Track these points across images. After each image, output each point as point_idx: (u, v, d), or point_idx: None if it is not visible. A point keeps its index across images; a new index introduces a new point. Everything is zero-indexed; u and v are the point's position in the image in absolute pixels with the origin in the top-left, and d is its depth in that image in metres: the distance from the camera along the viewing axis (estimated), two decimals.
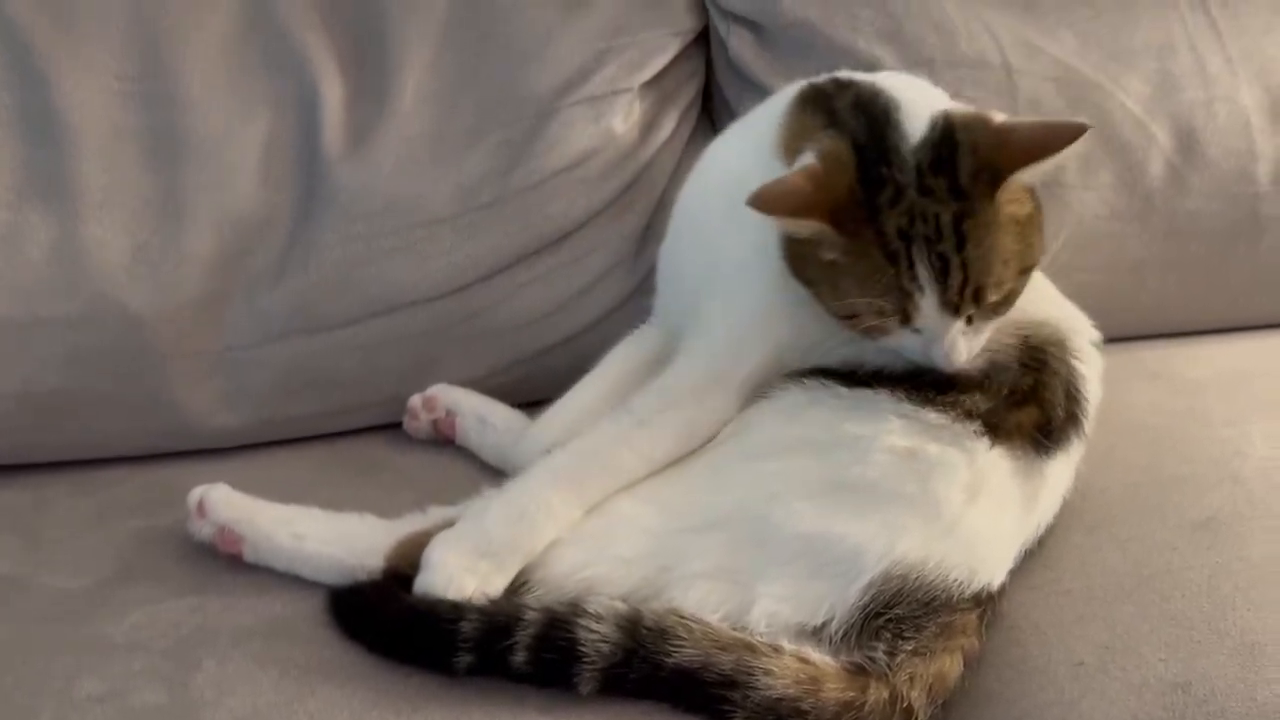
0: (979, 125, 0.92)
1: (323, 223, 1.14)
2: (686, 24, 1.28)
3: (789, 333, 0.99)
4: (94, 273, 1.09)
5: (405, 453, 1.16)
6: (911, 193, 0.90)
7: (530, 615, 0.87)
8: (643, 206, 1.24)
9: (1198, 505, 1.04)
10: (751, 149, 1.02)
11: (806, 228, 0.90)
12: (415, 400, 1.16)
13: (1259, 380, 1.23)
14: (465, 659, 0.87)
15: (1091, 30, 1.28)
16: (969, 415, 0.95)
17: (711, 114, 1.35)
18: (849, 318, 0.93)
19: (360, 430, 1.20)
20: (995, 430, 0.96)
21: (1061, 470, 1.00)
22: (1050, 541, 1.02)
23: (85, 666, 0.88)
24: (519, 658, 0.86)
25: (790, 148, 0.96)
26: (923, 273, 0.89)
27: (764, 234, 0.95)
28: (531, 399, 1.14)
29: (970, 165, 0.90)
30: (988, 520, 0.94)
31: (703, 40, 1.31)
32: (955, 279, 0.90)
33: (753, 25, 1.27)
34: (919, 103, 0.95)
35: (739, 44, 1.27)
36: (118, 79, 1.14)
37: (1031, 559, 1.01)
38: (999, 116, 0.94)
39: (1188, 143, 1.28)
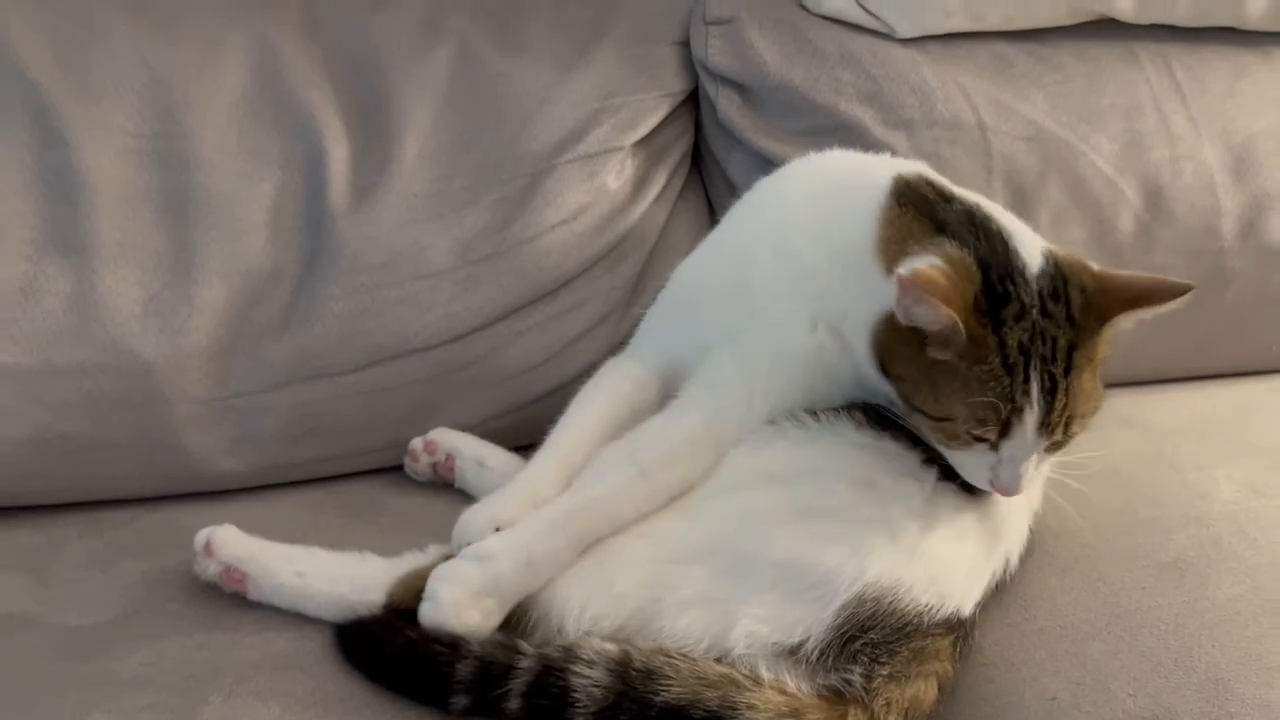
0: (1083, 268, 0.97)
1: (327, 276, 1.17)
2: (677, 86, 1.33)
3: (800, 397, 1.02)
4: (107, 322, 1.12)
5: (405, 494, 1.19)
6: (1035, 312, 0.92)
7: (524, 663, 0.89)
8: (634, 259, 1.28)
9: (1166, 547, 1.08)
10: (837, 234, 1.01)
11: (943, 319, 0.89)
12: (416, 444, 1.19)
13: (1226, 426, 1.28)
14: (461, 700, 0.89)
15: (1062, 92, 1.34)
16: (916, 443, 1.00)
17: (701, 171, 1.39)
18: (941, 420, 0.95)
19: (363, 473, 1.23)
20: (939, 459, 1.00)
21: (1017, 502, 1.02)
22: (1025, 581, 1.05)
23: (94, 702, 0.90)
24: (513, 704, 0.88)
25: (893, 246, 0.97)
26: (1034, 389, 0.92)
27: (811, 305, 1.00)
28: (527, 442, 1.16)
29: (1080, 301, 0.94)
30: (948, 546, 0.97)
31: (692, 101, 1.36)
32: (1060, 402, 0.93)
33: (740, 87, 1.32)
34: (1026, 234, 0.98)
35: (727, 105, 1.32)
36: (133, 138, 1.18)
37: (1007, 597, 1.05)
38: (1095, 264, 0.98)
39: (1155, 199, 1.33)
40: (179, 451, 1.15)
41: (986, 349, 0.92)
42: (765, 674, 0.91)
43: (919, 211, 0.99)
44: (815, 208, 1.05)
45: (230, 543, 0.99)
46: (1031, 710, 0.96)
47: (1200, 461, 1.19)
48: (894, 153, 1.26)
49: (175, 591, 1.02)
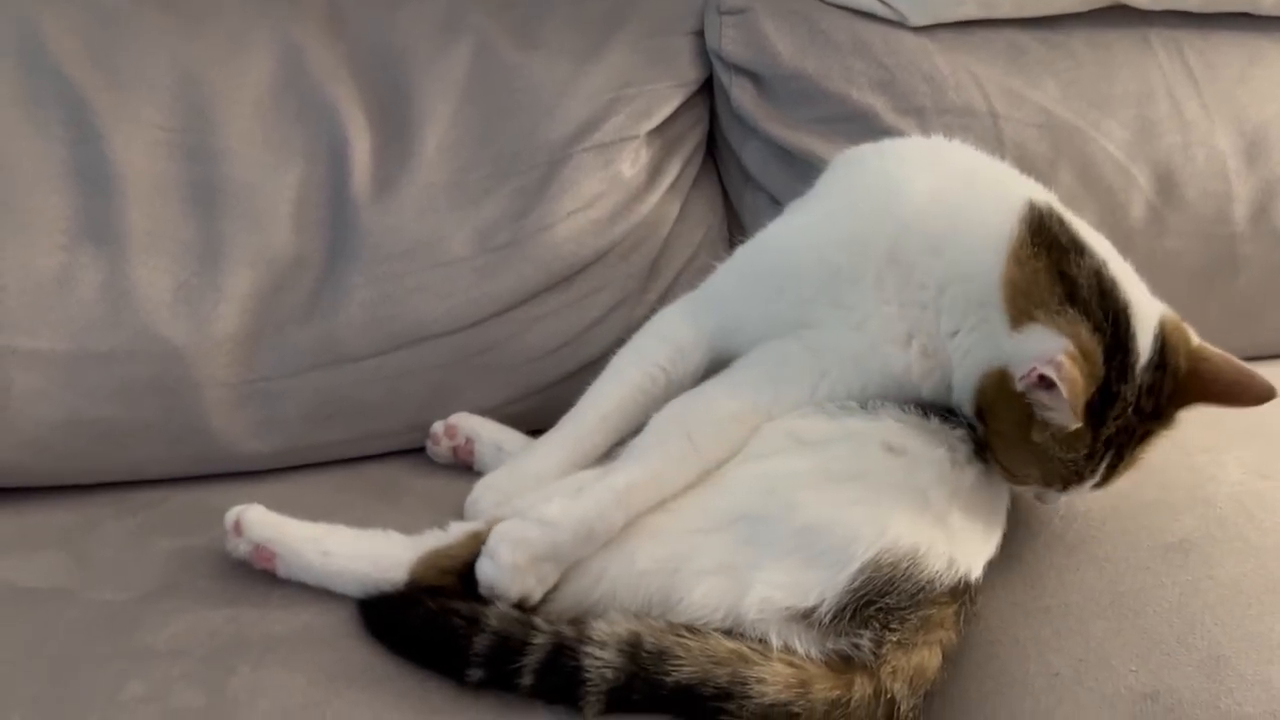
0: (1184, 347, 0.97)
1: (350, 264, 1.20)
2: (691, 75, 1.35)
3: (863, 396, 1.03)
4: (139, 310, 1.15)
5: (426, 476, 1.21)
6: (1131, 413, 0.95)
7: (539, 639, 0.91)
8: (649, 246, 1.30)
9: (1172, 528, 1.10)
10: (959, 254, 0.99)
11: (1066, 420, 0.91)
12: (437, 427, 1.22)
13: (1236, 411, 1.28)
14: (476, 673, 0.92)
15: (1073, 79, 1.35)
16: (956, 421, 1.02)
17: (716, 160, 1.42)
18: (1014, 475, 0.99)
19: (384, 455, 1.25)
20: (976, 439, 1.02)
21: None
22: (1032, 560, 1.07)
23: (130, 672, 0.93)
24: (526, 679, 0.91)
25: (1020, 295, 0.95)
26: (1102, 467, 0.97)
27: (911, 317, 1.00)
28: (545, 426, 1.17)
29: (1171, 388, 0.96)
30: (967, 514, 0.99)
31: (707, 90, 1.38)
32: (1118, 473, 0.99)
33: (753, 76, 1.34)
34: (1144, 303, 0.97)
35: (741, 94, 1.34)
36: (163, 131, 1.21)
37: (1014, 576, 1.06)
38: (1194, 336, 0.99)
39: (1167, 185, 1.34)
40: (208, 434, 1.18)
41: (1081, 442, 0.94)
42: (775, 641, 0.92)
43: (1050, 259, 0.96)
44: (938, 216, 1.01)
45: (259, 522, 1.02)
46: (1034, 685, 0.98)
47: (1209, 445, 1.20)
48: None
49: (206, 568, 1.04)
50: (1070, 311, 0.94)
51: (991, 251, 0.98)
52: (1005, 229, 0.98)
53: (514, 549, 0.93)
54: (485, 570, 0.94)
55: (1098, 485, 1.00)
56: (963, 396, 1.01)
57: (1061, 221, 1.00)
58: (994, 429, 0.99)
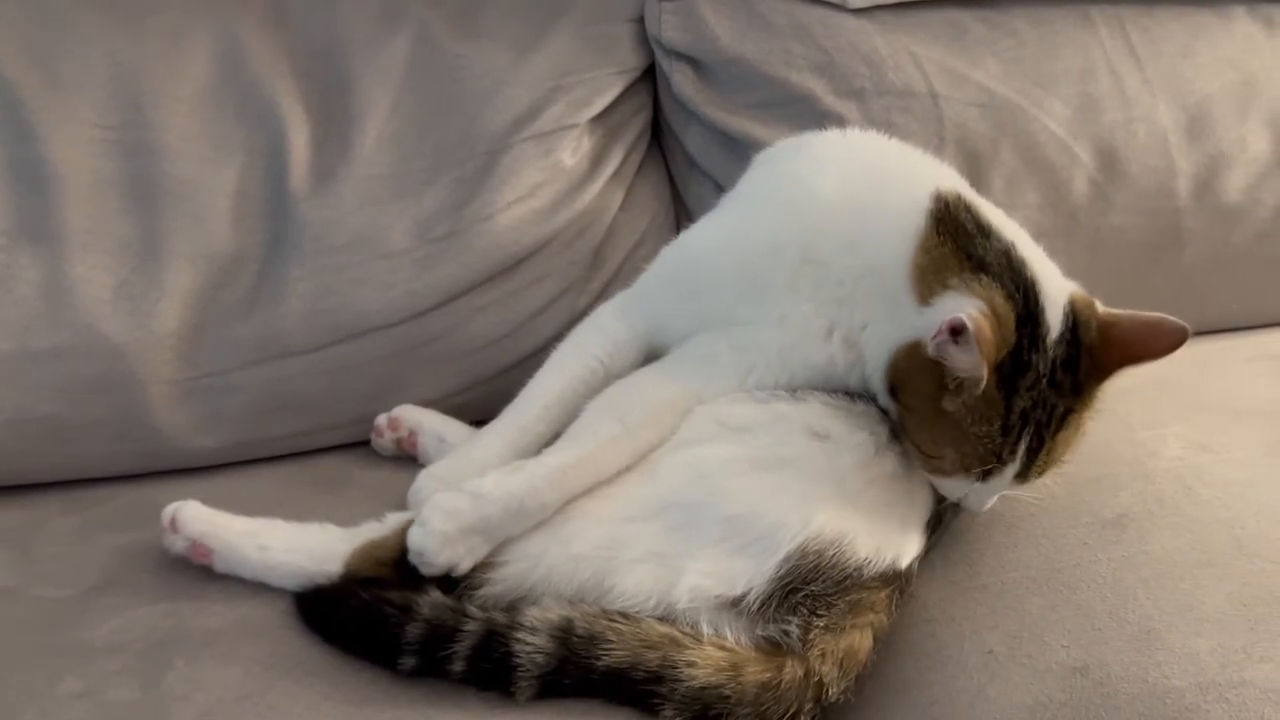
0: (1092, 319, 0.97)
1: (290, 257, 1.20)
2: (632, 62, 1.35)
3: (789, 386, 1.04)
4: (79, 308, 1.15)
5: (372, 468, 1.22)
6: (1044, 384, 0.95)
7: (470, 626, 0.92)
8: (592, 235, 1.30)
9: (1110, 504, 1.10)
10: (869, 248, 1.00)
11: (975, 371, 0.90)
12: (380, 420, 1.22)
13: (1179, 385, 1.28)
14: (409, 661, 0.93)
15: (1015, 57, 1.35)
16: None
17: (661, 146, 1.41)
18: (930, 457, 0.98)
19: (331, 448, 1.26)
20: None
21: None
22: (970, 539, 1.08)
23: (67, 668, 0.94)
24: (457, 666, 0.92)
25: (927, 276, 0.96)
26: (1021, 448, 0.96)
27: (830, 312, 1.01)
28: (489, 416, 1.17)
29: (1087, 365, 0.96)
30: (891, 499, 1.00)
31: (649, 77, 1.38)
32: (1041, 461, 0.97)
33: (693, 62, 1.34)
34: (1053, 281, 0.98)
35: (681, 80, 1.34)
36: (100, 129, 1.21)
37: (953, 554, 1.07)
38: (1099, 306, 0.99)
39: (1109, 161, 1.34)
40: (153, 430, 1.18)
41: (994, 411, 0.94)
42: (706, 629, 0.94)
43: (957, 245, 0.98)
44: (847, 215, 1.02)
45: (194, 518, 1.02)
46: (969, 663, 0.98)
47: (1151, 420, 1.21)
48: (847, 123, 1.28)
49: (147, 564, 1.05)
50: (982, 278, 0.95)
51: (900, 245, 0.99)
52: (912, 223, 0.99)
53: (445, 519, 0.95)
54: (415, 538, 0.95)
55: (1021, 477, 0.98)
56: (876, 381, 1.02)
57: (968, 208, 1.01)
58: (906, 404, 0.99)
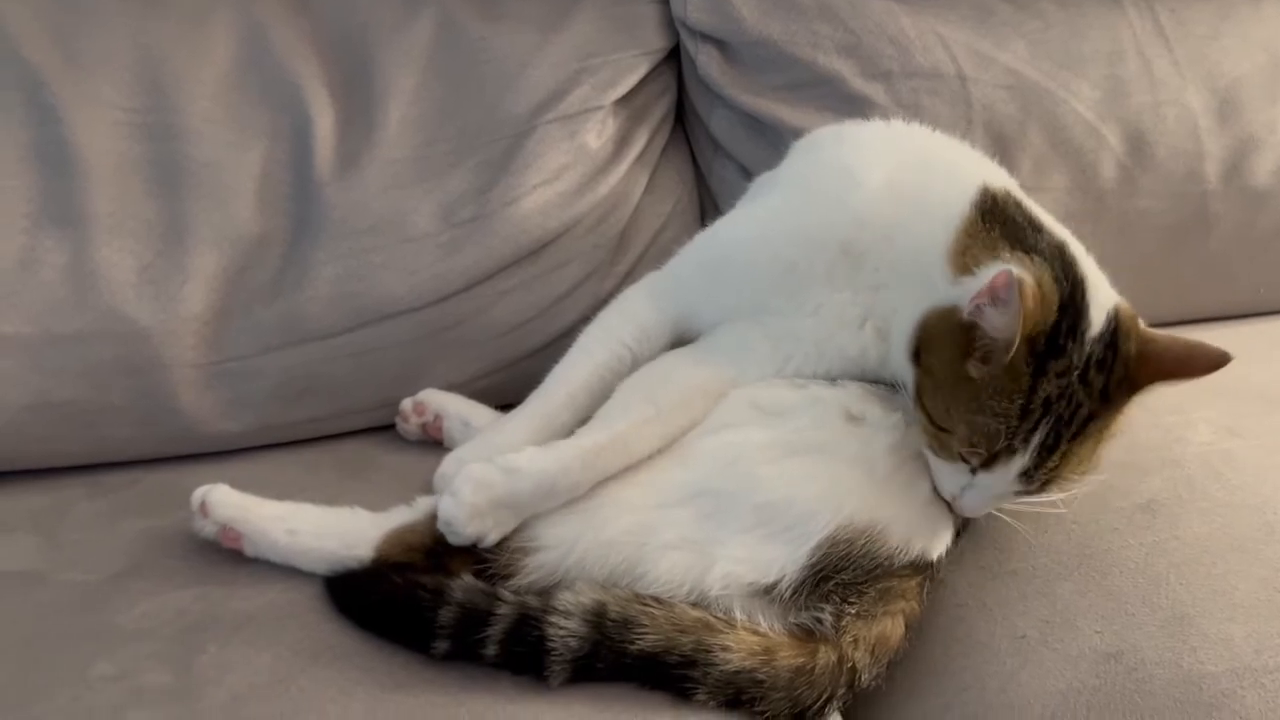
0: (1134, 331, 0.95)
1: (315, 241, 1.20)
2: (657, 44, 1.34)
3: (823, 374, 1.04)
4: (104, 291, 1.15)
5: (396, 453, 1.22)
6: (1074, 376, 0.92)
7: (503, 610, 0.92)
8: (617, 217, 1.29)
9: (1140, 489, 1.10)
10: (910, 239, 0.99)
11: (1009, 332, 0.88)
12: (405, 404, 1.22)
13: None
14: (442, 645, 0.92)
15: (1042, 39, 1.34)
16: None
17: (685, 129, 1.40)
18: (940, 430, 0.95)
19: (355, 432, 1.26)
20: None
21: None
22: (1000, 525, 1.07)
23: (99, 652, 0.94)
24: (490, 650, 0.92)
25: (970, 252, 0.95)
26: (1035, 440, 0.93)
27: (863, 300, 1.00)
28: (514, 400, 1.17)
29: (1121, 373, 0.94)
30: (922, 488, 1.00)
31: (674, 59, 1.37)
32: (1052, 461, 0.94)
33: (719, 43, 1.33)
34: (1101, 286, 0.97)
35: (707, 61, 1.33)
36: (124, 112, 1.20)
37: (982, 540, 1.07)
38: (1143, 323, 0.97)
39: (1137, 144, 1.33)
40: (177, 414, 1.18)
41: (1017, 387, 0.91)
42: (739, 615, 0.93)
43: (1005, 232, 0.96)
44: (891, 206, 1.01)
45: (224, 502, 1.02)
46: (1000, 648, 0.98)
47: (1179, 405, 1.20)
48: (875, 106, 1.28)
49: (175, 548, 1.05)
50: (1034, 258, 0.94)
51: (942, 234, 0.98)
52: (957, 212, 0.98)
53: (476, 490, 0.95)
54: (446, 507, 0.95)
55: (1026, 477, 0.95)
56: (899, 351, 1.00)
57: (1019, 204, 1.00)
58: (928, 367, 0.96)
